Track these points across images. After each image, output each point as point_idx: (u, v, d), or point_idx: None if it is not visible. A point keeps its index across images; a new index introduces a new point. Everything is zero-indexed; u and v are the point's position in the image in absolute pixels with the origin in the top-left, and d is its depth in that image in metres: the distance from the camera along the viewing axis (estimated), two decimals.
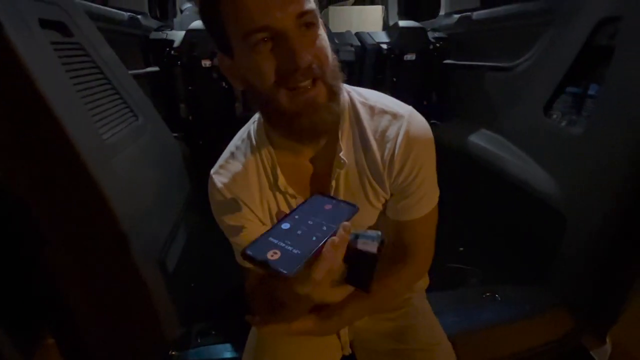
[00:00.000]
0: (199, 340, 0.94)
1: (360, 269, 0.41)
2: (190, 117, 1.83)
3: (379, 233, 0.41)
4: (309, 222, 0.39)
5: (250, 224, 0.59)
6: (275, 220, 0.60)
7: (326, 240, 0.36)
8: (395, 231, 0.60)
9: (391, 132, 0.54)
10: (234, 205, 0.57)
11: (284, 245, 0.36)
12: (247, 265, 0.61)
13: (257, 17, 0.41)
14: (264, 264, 0.34)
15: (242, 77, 0.49)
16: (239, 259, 0.63)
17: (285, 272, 0.33)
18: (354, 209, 0.41)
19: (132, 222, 0.76)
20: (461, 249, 1.42)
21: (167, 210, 1.06)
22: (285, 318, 0.49)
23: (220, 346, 0.92)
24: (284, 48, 0.42)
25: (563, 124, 1.13)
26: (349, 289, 0.43)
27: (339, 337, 0.72)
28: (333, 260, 0.36)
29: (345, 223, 0.38)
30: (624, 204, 0.89)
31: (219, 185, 0.58)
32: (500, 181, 1.32)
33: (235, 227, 0.59)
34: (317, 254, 0.36)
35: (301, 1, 0.42)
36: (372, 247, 0.39)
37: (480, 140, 1.55)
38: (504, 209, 1.38)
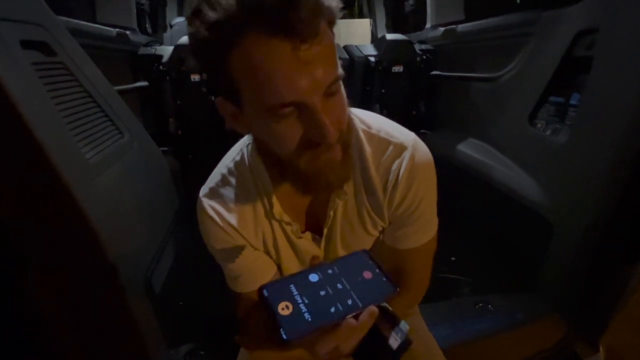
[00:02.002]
0: None
1: (372, 353, 0.37)
2: (180, 132, 1.82)
3: (407, 327, 0.37)
4: (339, 285, 0.35)
5: (242, 250, 0.56)
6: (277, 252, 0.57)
7: (344, 317, 0.33)
8: (392, 258, 0.59)
9: (394, 164, 0.53)
10: (226, 232, 0.55)
11: (300, 301, 0.33)
12: (239, 290, 0.59)
13: (285, 93, 0.37)
14: (272, 313, 0.32)
15: (251, 129, 0.46)
16: (230, 283, 0.61)
17: (284, 336, 0.30)
18: (393, 290, 0.36)
19: (117, 244, 0.74)
20: (453, 258, 1.42)
21: (154, 228, 1.04)
22: (276, 345, 0.47)
23: None
24: (311, 120, 0.39)
25: (548, 132, 1.15)
26: None
27: None
28: (343, 342, 0.33)
29: (373, 309, 0.34)
30: (609, 210, 0.90)
31: (209, 210, 0.54)
32: (489, 189, 1.34)
33: (227, 253, 0.56)
34: (330, 327, 0.33)
35: (331, 70, 0.39)
36: (394, 341, 0.36)
37: (469, 149, 1.57)
38: (494, 217, 1.39)
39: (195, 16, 0.37)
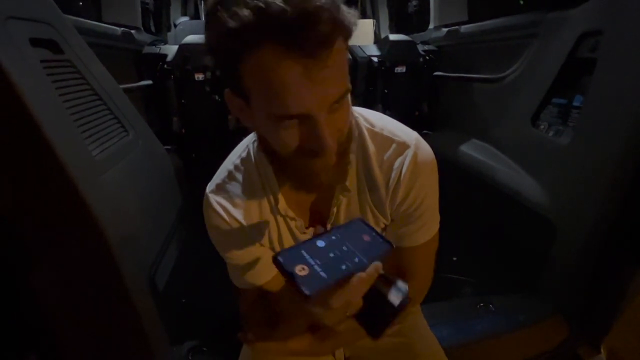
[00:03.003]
0: (190, 358, 0.93)
1: (375, 313, 0.41)
2: (183, 130, 1.83)
3: (407, 287, 0.40)
4: (344, 247, 0.39)
5: (248, 245, 0.57)
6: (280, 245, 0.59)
7: (354, 273, 0.36)
8: (394, 256, 0.59)
9: (397, 161, 0.54)
10: (231, 226, 0.56)
11: (313, 263, 0.36)
12: (243, 285, 0.60)
13: (292, 107, 0.38)
14: (290, 275, 0.35)
15: (255, 126, 0.47)
16: (234, 278, 0.62)
17: (306, 292, 0.33)
18: (389, 247, 0.40)
19: (122, 241, 0.75)
20: (454, 258, 1.43)
21: (158, 225, 1.05)
22: (281, 337, 0.47)
23: None
24: (311, 130, 0.40)
25: (550, 134, 1.15)
26: (354, 324, 0.42)
27: (334, 355, 0.71)
28: (354, 294, 0.37)
29: (378, 263, 0.38)
30: (611, 211, 0.90)
31: (216, 206, 0.55)
32: (491, 190, 1.34)
33: (232, 248, 0.57)
34: (342, 283, 0.36)
35: (340, 87, 0.40)
36: (395, 298, 0.39)
37: (471, 149, 1.57)
38: (496, 218, 1.39)
39: (212, 20, 0.37)
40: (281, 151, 0.44)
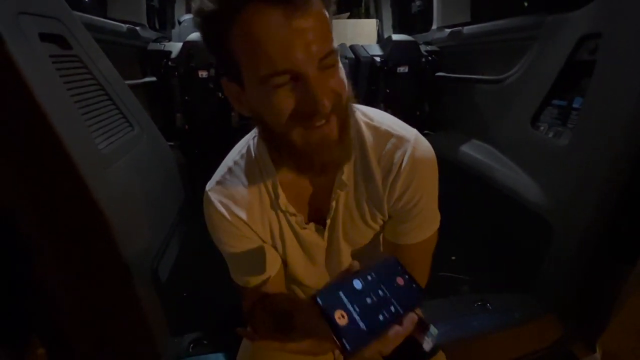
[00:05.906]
0: (190, 350, 0.94)
1: (405, 355, 0.40)
2: (187, 127, 1.85)
3: (436, 331, 0.40)
4: (379, 291, 0.38)
5: (249, 242, 0.57)
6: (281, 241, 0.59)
7: (391, 324, 0.36)
8: (392, 253, 0.59)
9: (395, 156, 0.53)
10: (232, 223, 0.55)
11: (352, 310, 0.35)
12: (244, 283, 0.60)
13: (279, 61, 0.39)
14: (331, 322, 0.34)
15: (251, 107, 0.47)
16: (235, 276, 0.62)
17: (349, 348, 0.33)
18: (422, 296, 0.40)
19: (126, 233, 0.76)
20: (453, 257, 1.44)
21: (161, 219, 1.06)
22: (282, 337, 0.47)
23: (212, 356, 0.92)
24: (304, 91, 0.41)
25: (550, 135, 1.16)
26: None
27: (334, 353, 0.72)
28: (389, 347, 0.37)
29: (413, 315, 0.37)
30: (608, 212, 0.91)
31: (216, 202, 0.55)
32: (491, 190, 1.35)
33: (234, 246, 0.57)
34: (379, 335, 0.36)
35: (324, 42, 0.40)
36: (427, 344, 0.39)
37: (471, 150, 1.58)
38: (495, 218, 1.40)
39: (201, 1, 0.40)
40: (278, 124, 0.44)
